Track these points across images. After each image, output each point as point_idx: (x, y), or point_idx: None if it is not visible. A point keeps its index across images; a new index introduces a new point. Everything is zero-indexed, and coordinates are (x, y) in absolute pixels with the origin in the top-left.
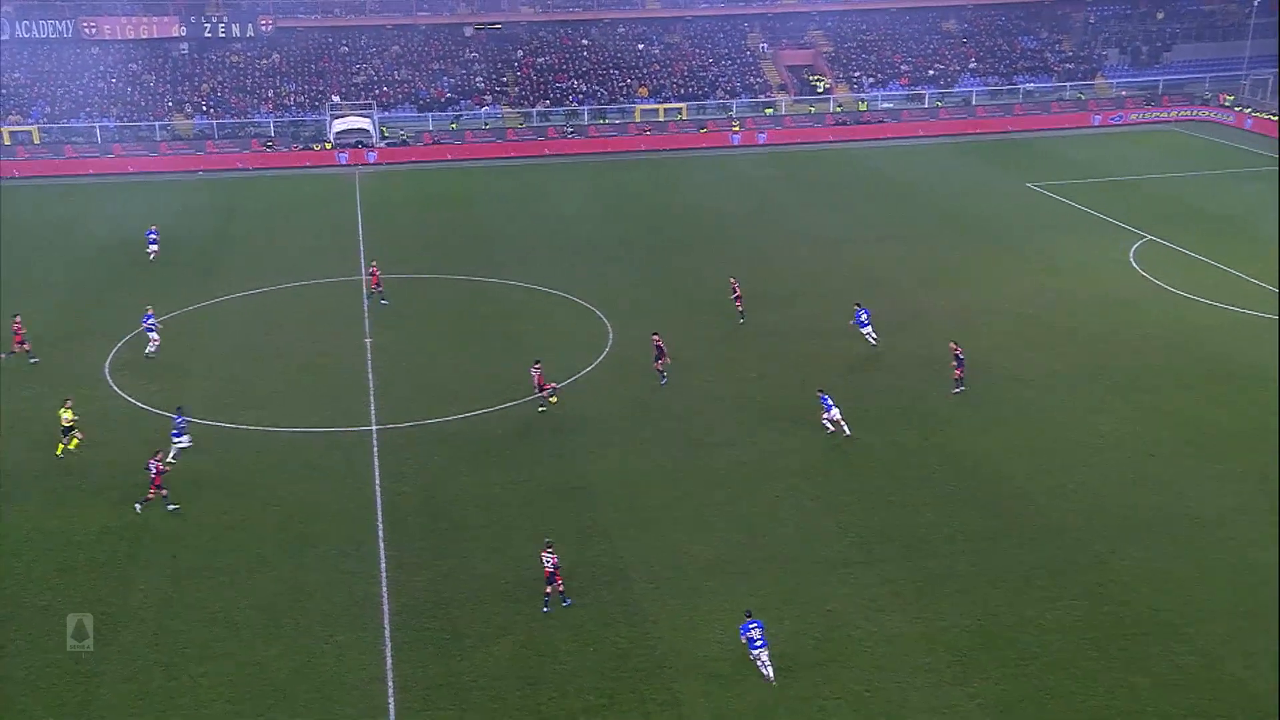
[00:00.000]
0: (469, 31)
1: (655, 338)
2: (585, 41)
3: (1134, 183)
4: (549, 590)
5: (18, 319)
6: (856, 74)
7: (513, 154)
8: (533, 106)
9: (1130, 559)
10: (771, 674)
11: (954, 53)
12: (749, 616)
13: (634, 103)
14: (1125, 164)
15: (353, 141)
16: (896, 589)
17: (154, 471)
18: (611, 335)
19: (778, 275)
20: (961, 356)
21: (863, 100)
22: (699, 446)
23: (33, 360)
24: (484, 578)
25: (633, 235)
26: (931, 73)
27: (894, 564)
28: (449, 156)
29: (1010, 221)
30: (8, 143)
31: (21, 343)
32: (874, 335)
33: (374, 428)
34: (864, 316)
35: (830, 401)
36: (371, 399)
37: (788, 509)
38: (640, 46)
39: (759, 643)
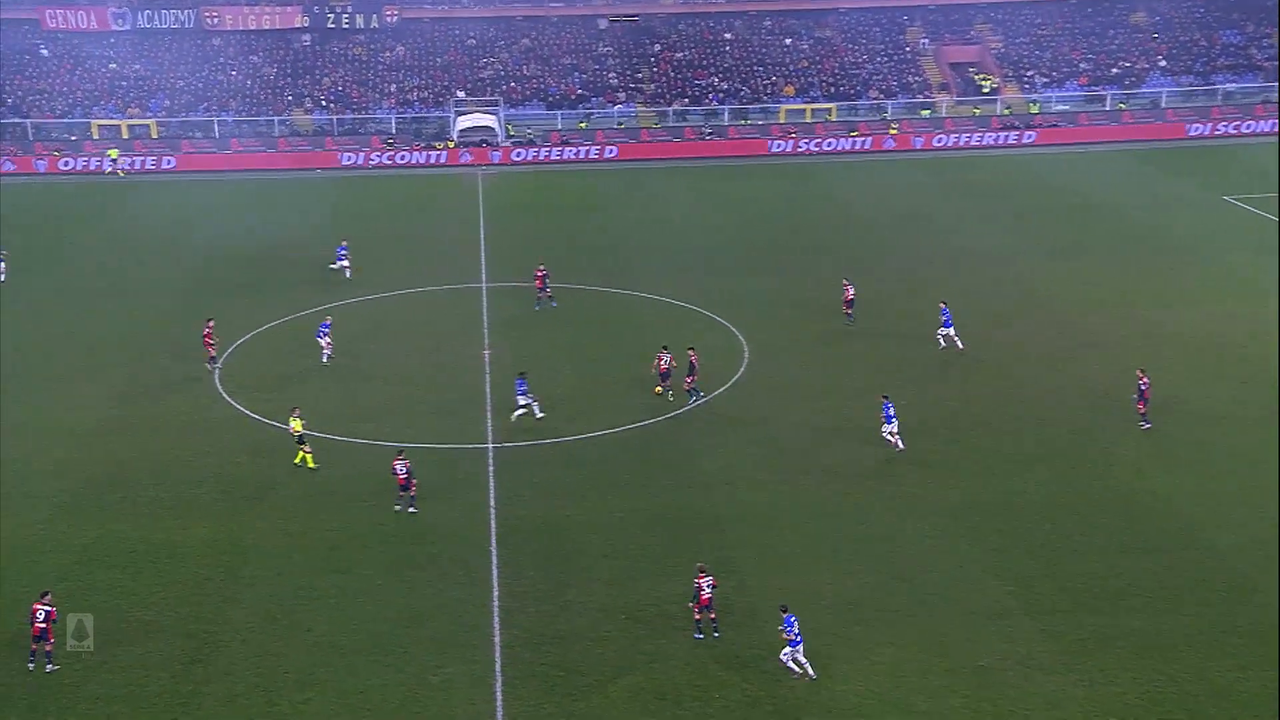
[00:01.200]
0: (603, 24)
1: (691, 354)
2: (728, 35)
3: None
4: (699, 616)
5: (210, 325)
6: (1028, 72)
7: (646, 156)
8: (669, 105)
9: None
10: (810, 670)
11: (1141, 49)
12: (785, 612)
13: (779, 102)
14: None
15: (477, 140)
16: (1059, 646)
17: (402, 473)
18: (747, 355)
19: (933, 293)
20: (1147, 387)
21: (1034, 101)
22: (840, 479)
23: (214, 368)
24: (602, 611)
25: (774, 247)
26: (1115, 71)
27: (1057, 617)
28: (578, 157)
29: (1202, 239)
30: (126, 136)
31: (209, 347)
32: (958, 340)
33: (490, 445)
34: (947, 316)
35: (892, 413)
36: (488, 414)
37: (937, 551)
38: (788, 41)
39: (798, 639)
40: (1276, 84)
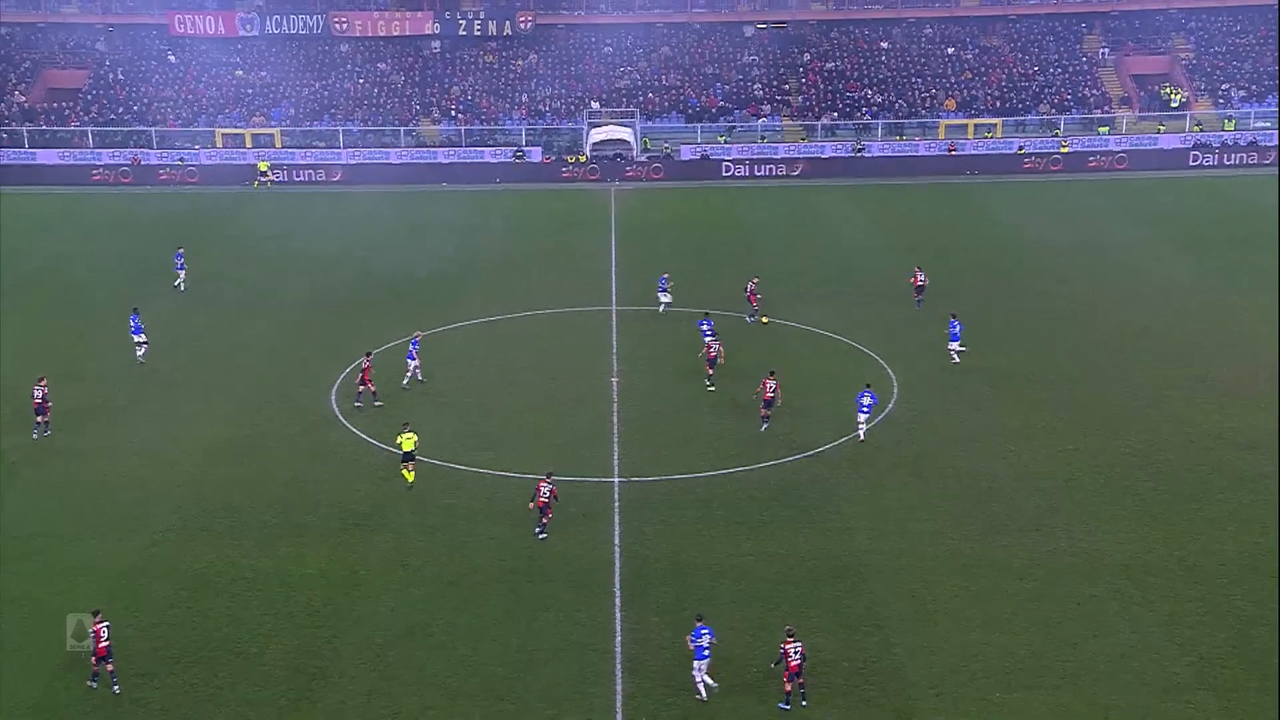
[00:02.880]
0: (750, 31)
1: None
2: (884, 44)
3: None
4: (788, 687)
5: (369, 358)
6: (1224, 85)
7: (792, 172)
8: (818, 119)
9: None
10: (704, 692)
11: None
12: (700, 621)
13: (938, 116)
14: None
15: (611, 154)
16: None
17: (545, 495)
18: (896, 390)
19: (1110, 328)
20: None
21: (1230, 118)
22: (1000, 530)
23: (377, 404)
24: (731, 662)
25: (929, 273)
26: None
27: (1246, 695)
28: (719, 173)
29: None
30: (250, 146)
31: (368, 383)
32: (958, 351)
33: (616, 480)
34: (957, 329)
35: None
36: (615, 446)
37: (1109, 614)
38: (950, 50)
39: (705, 651)
40: None
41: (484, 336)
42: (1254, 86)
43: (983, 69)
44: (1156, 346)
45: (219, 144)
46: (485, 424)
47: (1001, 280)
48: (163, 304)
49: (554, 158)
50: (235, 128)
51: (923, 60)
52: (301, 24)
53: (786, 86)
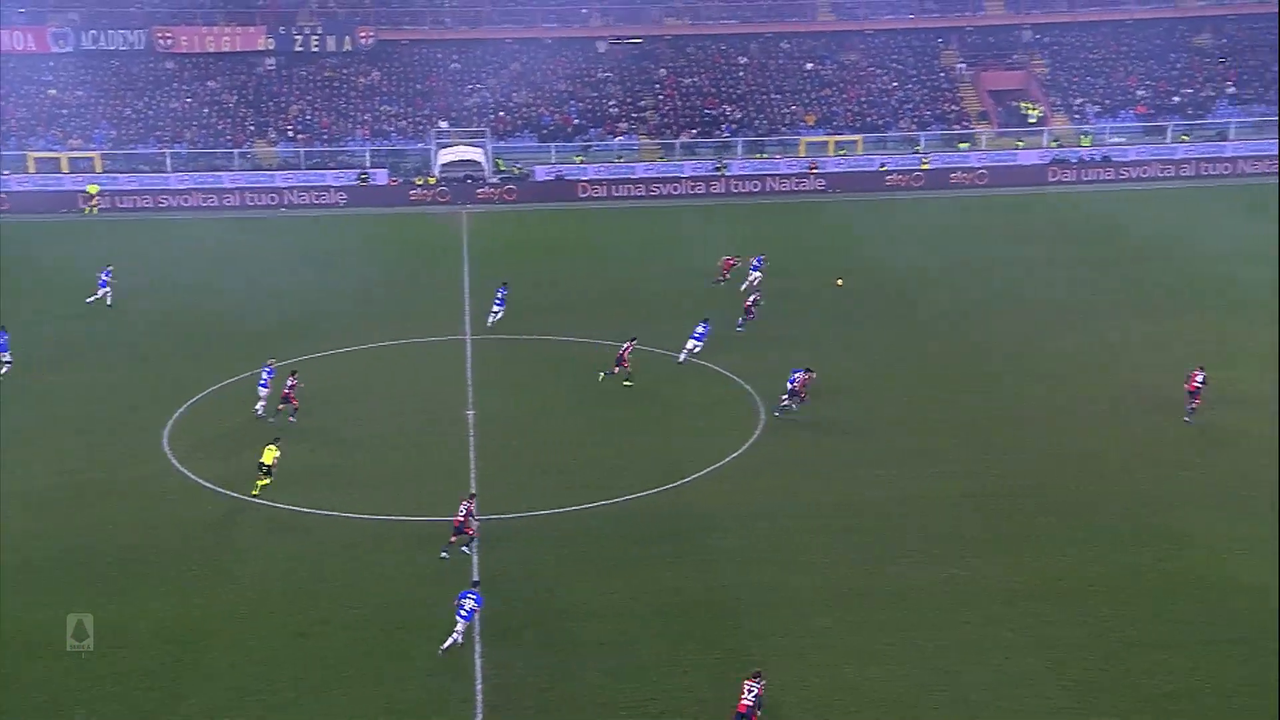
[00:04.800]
0: (603, 47)
1: (808, 375)
2: (742, 60)
3: None
4: None
5: (294, 377)
6: (1078, 100)
7: (649, 193)
8: (675, 137)
9: None
10: (451, 640)
11: (1207, 74)
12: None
13: (798, 133)
14: None
15: (461, 175)
16: None
17: (462, 513)
18: (763, 415)
19: (978, 347)
20: (1201, 385)
21: (1086, 133)
22: (873, 558)
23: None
24: (602, 707)
25: (794, 294)
26: (1177, 99)
27: (1120, 719)
28: (575, 194)
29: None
30: (67, 170)
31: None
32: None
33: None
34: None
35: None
36: (473, 482)
37: (986, 644)
38: (809, 66)
39: (468, 614)
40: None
41: (331, 369)
42: (1107, 101)
43: (842, 84)
44: (1024, 365)
45: (31, 169)
46: (335, 462)
47: (868, 300)
48: None
49: (401, 180)
50: (50, 151)
51: (781, 76)
52: (121, 39)
53: (643, 104)
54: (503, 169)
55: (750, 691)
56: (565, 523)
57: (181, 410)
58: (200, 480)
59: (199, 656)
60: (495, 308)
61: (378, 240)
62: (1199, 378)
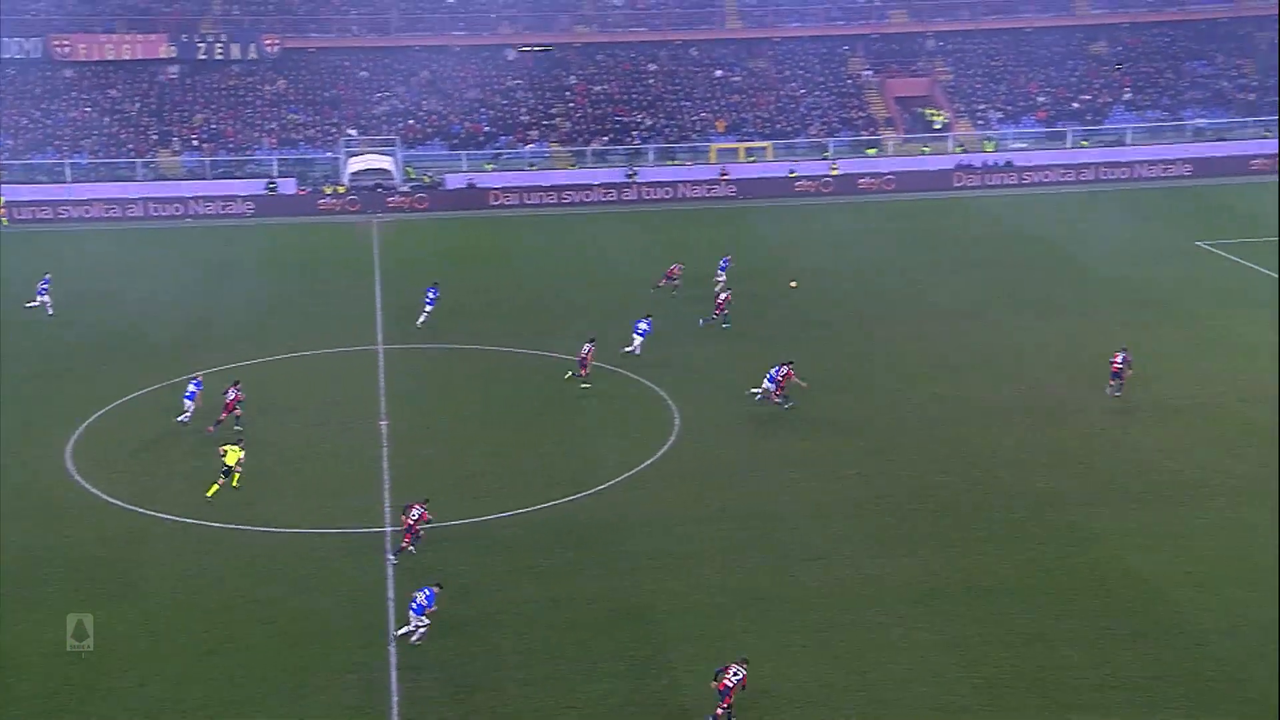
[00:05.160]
0: (512, 55)
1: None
2: (652, 67)
3: None
4: (719, 710)
5: (237, 386)
6: (981, 107)
7: (563, 200)
8: (587, 144)
9: None
10: (398, 632)
11: (1104, 81)
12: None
13: (709, 140)
14: None
15: (371, 184)
16: None
17: (414, 519)
18: (678, 422)
19: (888, 353)
20: (1123, 364)
21: (990, 139)
22: (786, 561)
23: (237, 427)
24: (519, 716)
25: (708, 303)
26: (1076, 105)
27: (1029, 715)
28: (487, 202)
29: (1177, 290)
30: None
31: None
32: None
33: (388, 529)
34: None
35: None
36: (386, 494)
37: (895, 641)
38: (718, 73)
39: (419, 608)
40: (1249, 119)
41: (242, 382)
42: (1009, 107)
43: (751, 91)
44: (930, 368)
45: None
46: (244, 475)
47: (777, 305)
48: None
49: (310, 189)
50: None
51: (691, 83)
52: (17, 47)
53: (553, 111)
54: (413, 177)
55: (735, 675)
56: (479, 532)
57: (85, 425)
58: (106, 496)
59: (101, 678)
60: (427, 307)
61: (287, 250)
62: (1120, 358)
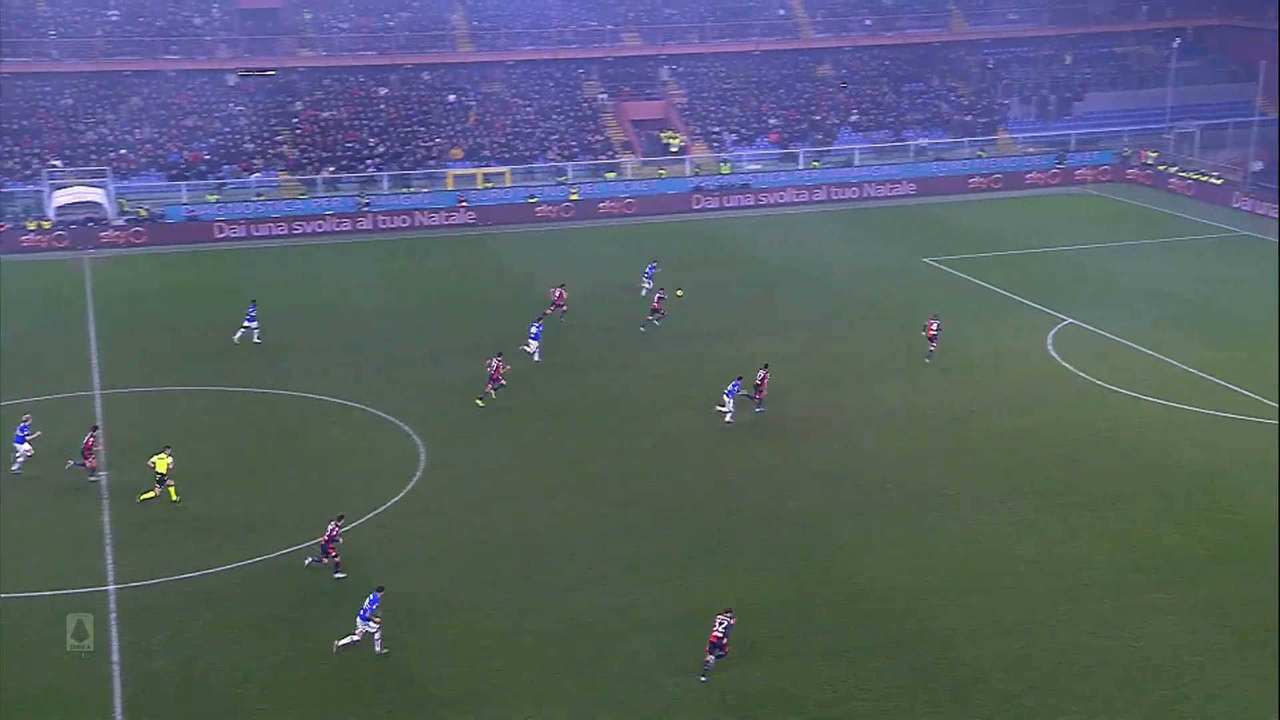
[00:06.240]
0: (232, 80)
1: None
2: (383, 91)
3: (1048, 255)
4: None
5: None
6: (716, 129)
7: (294, 231)
8: (317, 172)
9: (1069, 716)
10: (345, 641)
11: (832, 103)
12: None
13: (445, 166)
14: (1037, 233)
15: (81, 218)
16: None
17: (330, 535)
18: (423, 457)
19: (632, 375)
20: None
21: (725, 161)
22: (548, 593)
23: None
24: None
25: (449, 333)
26: (805, 127)
27: None
28: (212, 235)
29: (906, 304)
30: None
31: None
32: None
33: (111, 587)
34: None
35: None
36: (108, 549)
37: (653, 668)
38: (451, 97)
39: (363, 613)
40: (965, 139)
41: None
42: (743, 130)
43: (486, 116)
44: (677, 392)
45: None
46: None
47: (519, 333)
48: None
49: (11, 225)
50: None
51: (424, 108)
52: None
53: (280, 138)
54: (128, 210)
55: (721, 624)
56: (214, 584)
57: None
58: None
59: None
60: (253, 324)
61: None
62: (935, 325)
